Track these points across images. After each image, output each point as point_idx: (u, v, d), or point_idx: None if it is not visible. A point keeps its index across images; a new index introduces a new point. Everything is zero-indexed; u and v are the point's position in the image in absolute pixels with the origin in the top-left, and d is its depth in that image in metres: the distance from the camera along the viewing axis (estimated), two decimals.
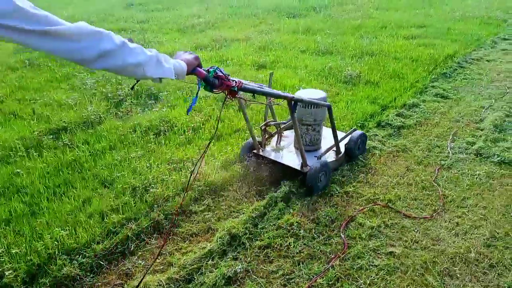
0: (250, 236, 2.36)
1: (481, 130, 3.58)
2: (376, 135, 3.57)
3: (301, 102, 2.71)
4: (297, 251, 2.27)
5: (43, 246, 2.22)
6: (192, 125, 3.68)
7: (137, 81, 1.64)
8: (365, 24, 7.53)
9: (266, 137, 3.09)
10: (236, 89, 1.97)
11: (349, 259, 2.21)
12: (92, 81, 4.68)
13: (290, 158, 3.01)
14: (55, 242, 2.26)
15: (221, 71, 1.88)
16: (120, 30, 7.51)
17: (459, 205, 2.64)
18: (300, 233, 2.40)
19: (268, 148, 3.14)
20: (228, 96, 2.04)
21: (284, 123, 3.29)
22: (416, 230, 2.42)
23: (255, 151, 3.07)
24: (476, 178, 2.92)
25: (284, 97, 2.54)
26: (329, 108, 2.94)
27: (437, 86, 4.63)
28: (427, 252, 2.23)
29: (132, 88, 1.80)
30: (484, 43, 6.39)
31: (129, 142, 3.39)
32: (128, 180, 2.83)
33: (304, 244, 2.32)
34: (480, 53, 5.86)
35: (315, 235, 2.39)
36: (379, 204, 2.65)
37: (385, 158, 3.22)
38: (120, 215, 2.48)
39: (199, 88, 1.83)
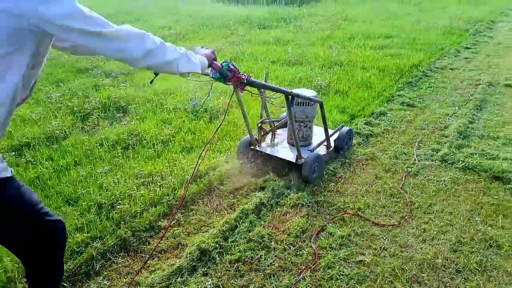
0: (220, 250, 2.32)
1: (446, 137, 3.69)
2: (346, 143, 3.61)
3: (298, 98, 2.93)
4: (268, 263, 2.25)
5: (2, 270, 2.12)
6: (162, 138, 3.62)
7: (156, 75, 1.85)
8: (334, 35, 7.69)
9: (262, 134, 3.30)
10: (245, 81, 2.19)
11: (320, 269, 2.20)
12: (58, 95, 4.55)
13: (285, 152, 3.23)
14: (16, 264, 2.15)
15: (233, 65, 2.11)
16: None
17: (426, 211, 2.69)
18: (271, 245, 2.38)
19: (263, 144, 3.33)
20: (238, 88, 2.28)
21: (278, 121, 3.48)
22: (385, 238, 2.45)
23: (252, 146, 3.25)
24: (442, 184, 2.99)
25: (284, 92, 2.75)
26: (321, 105, 3.19)
27: (403, 94, 4.76)
28: (395, 259, 2.26)
29: (152, 81, 1.96)
30: (447, 52, 6.64)
31: (95, 157, 3.29)
32: (94, 196, 2.74)
33: (275, 256, 2.30)
34: (444, 62, 6.07)
35: (286, 246, 2.38)
36: (349, 213, 2.67)
37: (354, 166, 3.26)
38: (84, 234, 2.39)
39: (213, 78, 2.11)
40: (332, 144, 3.37)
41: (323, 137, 3.34)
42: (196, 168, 2.57)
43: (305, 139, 3.33)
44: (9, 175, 1.42)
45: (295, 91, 2.89)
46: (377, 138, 3.73)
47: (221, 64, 2.07)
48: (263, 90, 3.13)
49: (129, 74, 5.53)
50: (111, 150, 3.41)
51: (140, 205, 2.68)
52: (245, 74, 2.21)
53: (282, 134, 3.49)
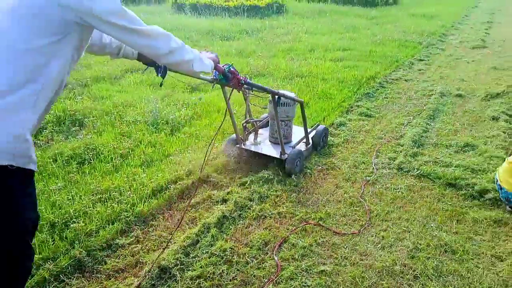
0: (181, 266, 2.26)
1: (402, 145, 3.83)
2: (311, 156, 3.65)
3: (284, 97, 3.25)
4: (231, 278, 2.22)
5: None
6: (120, 152, 3.52)
7: (164, 77, 2.25)
8: (295, 47, 7.84)
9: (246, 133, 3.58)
10: (243, 82, 2.48)
11: (282, 281, 2.20)
12: None
13: (269, 149, 3.52)
14: None
15: (233, 68, 2.40)
16: None
17: (384, 218, 2.76)
18: (234, 259, 2.35)
19: (247, 142, 3.60)
20: (237, 88, 2.56)
21: (260, 121, 3.79)
22: (345, 247, 2.48)
23: (238, 145, 3.51)
24: (399, 192, 3.09)
25: (272, 93, 3.08)
26: (302, 104, 3.52)
27: (361, 105, 4.90)
28: (356, 268, 2.29)
29: (161, 85, 2.52)
30: (402, 64, 6.93)
31: (48, 173, 3.14)
32: (46, 215, 2.60)
33: (238, 270, 2.27)
34: (399, 74, 6.33)
35: (248, 259, 2.36)
36: (311, 223, 2.69)
37: (316, 176, 3.30)
38: (36, 255, 2.26)
39: (216, 79, 2.40)
40: (310, 141, 3.64)
41: (301, 135, 3.64)
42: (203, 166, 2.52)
43: (286, 137, 3.56)
44: (35, 170, 1.50)
45: (280, 92, 3.20)
46: (338, 148, 3.81)
47: (223, 67, 2.33)
48: (247, 92, 3.41)
49: (87, 86, 5.36)
50: (66, 165, 3.27)
51: (96, 222, 2.57)
52: (242, 77, 2.48)
53: (263, 134, 3.77)
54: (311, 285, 2.16)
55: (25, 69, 1.37)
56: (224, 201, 2.92)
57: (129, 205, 2.76)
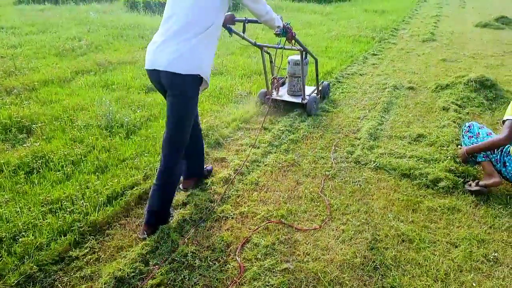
0: (140, 276, 2.18)
1: (359, 139, 3.91)
2: (270, 153, 3.65)
3: (307, 53, 4.37)
4: (193, 283, 2.16)
5: None
6: (72, 159, 3.35)
7: (230, 32, 3.36)
8: None
9: (275, 87, 4.67)
10: (294, 36, 3.36)
11: (246, 282, 2.17)
12: None
13: (292, 98, 4.62)
14: None
15: (289, 25, 3.24)
16: None
17: (344, 212, 2.80)
18: (195, 263, 2.30)
19: (274, 94, 4.67)
20: (289, 40, 3.36)
21: (281, 78, 4.98)
22: (307, 243, 2.49)
23: (267, 96, 4.65)
24: (357, 185, 3.15)
25: (305, 50, 4.22)
26: (316, 61, 4.74)
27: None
28: (318, 263, 2.30)
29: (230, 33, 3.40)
30: (357, 59, 7.09)
31: None
32: None
33: (200, 274, 2.22)
34: (354, 68, 6.47)
35: (210, 263, 2.31)
36: (273, 222, 2.68)
37: (276, 173, 3.30)
38: None
39: (279, 33, 3.15)
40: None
41: (311, 90, 4.83)
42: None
43: (300, 91, 4.60)
44: (208, 83, 2.49)
45: (293, 56, 4.61)
46: (297, 144, 3.83)
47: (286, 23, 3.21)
48: (275, 52, 4.35)
49: (34, 90, 5.07)
50: (13, 176, 3.07)
51: (47, 235, 2.43)
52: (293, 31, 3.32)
53: (281, 90, 4.85)
54: (274, 284, 2.15)
55: (210, 19, 2.33)
56: (184, 204, 2.86)
57: (82, 215, 2.63)
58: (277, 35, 3.19)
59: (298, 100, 4.52)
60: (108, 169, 3.25)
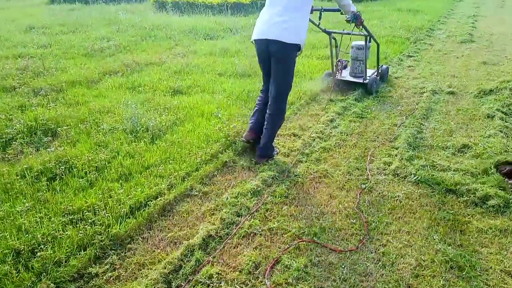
0: None
1: (396, 148, 3.63)
2: (300, 162, 3.44)
3: (371, 38, 4.88)
4: None
5: None
6: (96, 165, 3.24)
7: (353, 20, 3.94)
8: None
9: (337, 69, 5.21)
10: (362, 22, 3.99)
11: None
12: None
13: (353, 79, 5.21)
14: None
15: (359, 13, 3.89)
16: (15, 56, 6.71)
17: (383, 231, 2.56)
18: (221, 286, 2.11)
19: (338, 75, 5.22)
20: (357, 26, 4.03)
21: (345, 61, 5.53)
22: (343, 266, 2.27)
23: (332, 77, 5.21)
24: (396, 200, 2.89)
25: (370, 35, 4.75)
26: (378, 46, 5.28)
27: (352, 104, 4.70)
28: None
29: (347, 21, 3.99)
30: (391, 61, 6.75)
31: (15, 191, 2.85)
32: (11, 242, 2.32)
33: None
34: (388, 71, 6.12)
35: (238, 286, 2.12)
36: (305, 240, 2.46)
37: (308, 186, 3.08)
38: None
39: (350, 19, 3.89)
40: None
41: (371, 72, 5.33)
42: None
43: (361, 72, 5.18)
44: (302, 50, 3.19)
45: (356, 42, 5.15)
46: (329, 153, 3.60)
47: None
48: (337, 37, 5.20)
49: (62, 91, 5.04)
50: (35, 182, 2.98)
51: (67, 249, 2.30)
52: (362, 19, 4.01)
53: (343, 72, 5.41)
54: None
55: (306, 3, 3.12)
56: (210, 216, 2.69)
57: (103, 227, 2.50)
58: (347, 21, 3.91)
59: (360, 80, 5.11)
60: (132, 176, 3.12)
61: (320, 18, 4.19)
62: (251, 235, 2.53)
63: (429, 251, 2.37)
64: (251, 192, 2.93)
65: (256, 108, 3.56)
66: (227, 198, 2.86)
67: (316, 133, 3.95)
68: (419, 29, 9.31)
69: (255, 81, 5.53)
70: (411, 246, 2.42)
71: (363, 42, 4.97)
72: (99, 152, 3.46)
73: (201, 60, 6.64)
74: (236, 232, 2.54)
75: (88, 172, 3.14)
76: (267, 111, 3.35)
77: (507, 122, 4.10)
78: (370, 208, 2.81)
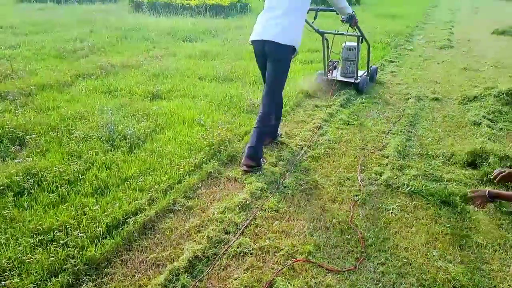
0: None
1: (386, 157, 3.52)
2: (289, 171, 3.27)
3: (363, 40, 4.91)
4: None
5: None
6: (68, 177, 2.97)
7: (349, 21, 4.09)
8: None
9: (328, 69, 5.31)
10: (356, 23, 4.11)
11: None
12: None
13: (345, 79, 5.29)
14: None
15: (354, 13, 4.00)
16: None
17: (380, 248, 2.42)
18: None
19: (329, 75, 5.31)
20: (352, 26, 4.17)
21: (336, 61, 5.49)
22: None
23: (324, 77, 5.32)
24: (391, 213, 2.76)
25: (363, 36, 4.81)
26: (369, 46, 5.39)
27: (339, 111, 4.58)
28: None
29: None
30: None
31: None
32: None
33: None
34: (377, 71, 6.06)
35: None
36: (299, 260, 2.29)
37: (299, 198, 2.92)
38: None
39: (344, 20, 4.04)
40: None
41: (361, 72, 5.39)
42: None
43: (352, 73, 5.27)
44: (297, 52, 3.30)
45: (348, 43, 5.18)
46: (318, 162, 3.45)
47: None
48: (329, 38, 5.03)
49: (31, 95, 4.71)
50: (0, 198, 2.69)
51: (36, 276, 2.05)
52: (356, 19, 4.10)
53: (334, 72, 5.42)
54: None
55: (302, 7, 3.25)
56: (196, 233, 2.48)
57: (77, 249, 2.25)
58: (342, 21, 4.07)
59: (351, 80, 5.19)
60: (108, 190, 2.87)
61: (315, 18, 4.24)
62: (241, 254, 2.34)
63: (430, 269, 2.25)
64: (239, 206, 2.74)
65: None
66: (214, 214, 2.66)
67: (304, 141, 3.80)
68: (398, 34, 9.37)
69: (238, 85, 5.35)
70: (410, 264, 2.29)
71: (354, 43, 5.11)
72: (71, 163, 3.19)
73: (180, 63, 6.40)
74: (225, 251, 2.34)
75: (59, 185, 2.87)
76: (259, 111, 3.38)
77: (494, 130, 4.07)
78: (364, 222, 2.67)
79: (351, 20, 3.99)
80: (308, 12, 3.46)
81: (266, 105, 3.33)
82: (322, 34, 5.01)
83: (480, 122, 4.24)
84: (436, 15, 13.47)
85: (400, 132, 4.03)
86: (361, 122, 4.34)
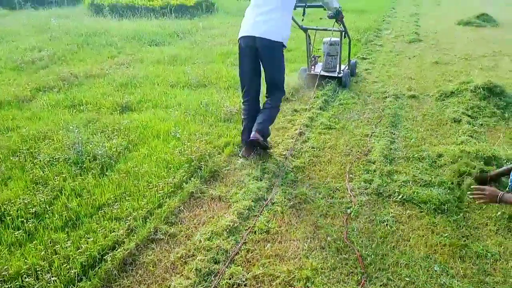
0: None
1: (373, 163, 3.42)
2: (275, 185, 3.10)
3: (346, 35, 5.16)
4: None
5: None
6: (34, 209, 2.68)
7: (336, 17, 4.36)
8: (234, 50, 7.22)
9: (312, 64, 5.51)
10: (342, 17, 4.39)
11: None
12: None
13: (328, 73, 5.40)
14: None
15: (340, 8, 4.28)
16: None
17: (380, 267, 2.29)
18: None
19: (312, 71, 5.44)
20: (338, 21, 4.46)
21: (318, 56, 5.69)
22: None
23: (307, 72, 5.41)
24: (386, 225, 2.65)
25: (346, 31, 5.04)
26: (350, 41, 5.56)
27: (319, 114, 4.45)
28: None
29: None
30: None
31: None
32: None
33: None
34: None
35: None
36: None
37: (289, 215, 2.75)
38: None
39: (332, 15, 4.33)
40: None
41: (343, 67, 5.51)
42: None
43: (333, 67, 5.44)
44: (286, 46, 3.42)
45: (328, 38, 5.35)
46: (305, 173, 3.30)
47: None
48: (311, 34, 5.33)
49: None
50: None
51: None
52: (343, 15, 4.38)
53: (317, 66, 5.62)
54: None
55: (289, 4, 3.36)
56: (183, 265, 2.27)
57: None
58: (329, 17, 4.32)
59: (334, 74, 5.36)
60: (80, 222, 2.60)
61: (304, 14, 4.34)
62: (234, 287, 2.15)
63: (433, 287, 2.14)
64: (227, 230, 2.55)
65: (245, 123, 3.55)
66: (200, 241, 2.45)
67: (287, 149, 3.64)
68: (367, 30, 9.37)
69: (212, 91, 5.12)
70: (414, 283, 2.17)
71: (335, 38, 5.26)
72: (37, 191, 2.89)
73: (149, 70, 6.10)
74: (216, 285, 2.14)
75: (25, 220, 2.57)
76: (267, 103, 3.50)
77: (474, 126, 4.06)
78: (360, 237, 2.54)
79: (338, 15, 4.23)
80: (295, 9, 3.53)
81: (276, 96, 3.50)
82: (305, 30, 5.13)
83: (460, 119, 4.22)
84: (402, 8, 13.66)
85: (383, 134, 3.95)
86: (342, 125, 4.22)
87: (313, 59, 5.46)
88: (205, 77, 5.63)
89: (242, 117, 3.58)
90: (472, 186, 2.62)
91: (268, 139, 3.64)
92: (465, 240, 2.50)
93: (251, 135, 3.26)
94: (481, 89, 4.64)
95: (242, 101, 3.59)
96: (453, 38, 8.56)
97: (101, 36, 8.42)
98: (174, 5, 11.42)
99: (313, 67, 5.48)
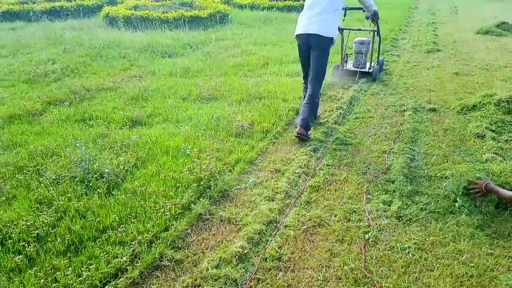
0: None
1: (392, 182, 3.23)
2: (288, 206, 2.94)
3: (378, 34, 5.77)
4: None
5: None
6: (37, 232, 2.57)
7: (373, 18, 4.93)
8: (246, 62, 7.12)
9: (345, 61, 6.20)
10: (378, 18, 4.94)
11: None
12: None
13: (359, 69, 5.82)
14: None
15: (377, 11, 4.80)
16: None
17: None
18: None
19: (344, 67, 6.14)
20: (374, 22, 5.07)
21: (349, 54, 6.28)
22: None
23: (341, 67, 6.16)
24: (408, 253, 2.45)
25: (377, 30, 5.65)
26: (380, 40, 6.17)
27: (334, 129, 4.28)
28: None
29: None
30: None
31: None
32: None
33: None
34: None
35: None
36: None
37: (303, 240, 2.58)
38: None
39: (369, 16, 4.83)
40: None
41: (373, 63, 6.17)
42: None
43: (363, 64, 6.07)
44: (334, 43, 4.10)
45: (360, 38, 6.04)
46: (319, 193, 3.13)
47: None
48: (348, 34, 6.12)
49: None
50: None
51: None
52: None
53: (348, 63, 6.33)
54: None
55: (338, 5, 4.04)
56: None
57: None
58: (367, 18, 4.85)
59: (365, 70, 6.06)
60: (83, 246, 2.48)
61: (345, 15, 5.08)
62: None
63: None
64: (236, 257, 2.39)
65: (305, 95, 4.31)
66: (207, 269, 2.30)
67: (301, 167, 3.48)
68: (384, 39, 9.16)
69: (223, 105, 5.00)
70: None
71: (364, 38, 5.97)
72: (41, 212, 2.79)
73: (160, 83, 6.03)
74: None
75: (26, 243, 2.47)
76: (308, 90, 4.11)
77: (500, 142, 3.83)
78: (380, 266, 2.35)
79: (375, 16, 4.76)
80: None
81: (314, 86, 4.06)
82: (342, 30, 5.79)
83: (484, 135, 3.99)
84: (417, 17, 13.40)
85: (403, 150, 3.75)
86: (358, 141, 4.04)
87: (345, 56, 6.08)
88: (217, 90, 5.52)
89: (303, 93, 4.49)
90: (469, 180, 2.89)
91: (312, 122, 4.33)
92: (494, 271, 2.29)
93: (297, 130, 3.90)
94: (505, 102, 4.40)
95: (302, 81, 4.55)
96: (473, 48, 8.29)
97: (114, 49, 8.43)
98: (188, 17, 11.42)
99: (345, 63, 6.15)
